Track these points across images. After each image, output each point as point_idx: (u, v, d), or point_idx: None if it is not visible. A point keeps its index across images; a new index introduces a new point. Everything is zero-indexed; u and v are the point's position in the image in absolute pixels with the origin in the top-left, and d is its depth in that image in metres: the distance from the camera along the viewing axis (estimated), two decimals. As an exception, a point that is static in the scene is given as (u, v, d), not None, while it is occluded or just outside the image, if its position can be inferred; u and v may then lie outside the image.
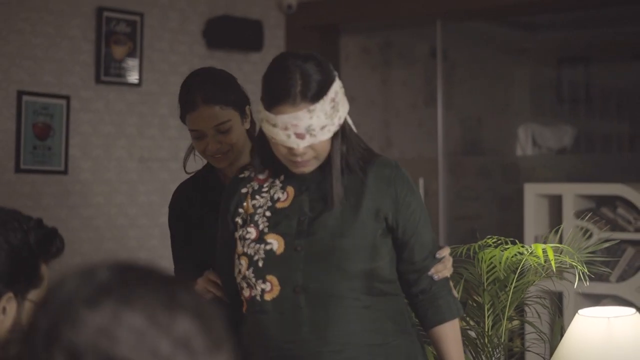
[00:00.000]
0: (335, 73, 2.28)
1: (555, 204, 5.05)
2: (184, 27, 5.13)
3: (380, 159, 2.37)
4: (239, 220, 2.37)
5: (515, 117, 6.34)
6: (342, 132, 2.29)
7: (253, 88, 5.45)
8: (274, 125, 2.20)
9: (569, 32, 6.37)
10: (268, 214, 2.33)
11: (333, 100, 2.22)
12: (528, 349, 3.27)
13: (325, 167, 2.30)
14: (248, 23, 5.28)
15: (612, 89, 6.19)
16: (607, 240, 3.03)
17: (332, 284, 2.25)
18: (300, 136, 2.20)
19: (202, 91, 2.65)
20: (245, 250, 2.31)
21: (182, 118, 2.69)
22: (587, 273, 2.82)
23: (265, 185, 2.37)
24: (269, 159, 2.34)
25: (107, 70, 4.74)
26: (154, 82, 4.97)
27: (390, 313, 2.34)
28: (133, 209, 4.89)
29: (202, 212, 2.72)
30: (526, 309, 3.17)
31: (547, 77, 6.42)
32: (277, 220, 2.31)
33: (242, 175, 2.42)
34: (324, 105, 2.20)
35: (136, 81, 4.86)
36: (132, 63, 4.83)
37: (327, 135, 2.22)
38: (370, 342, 2.28)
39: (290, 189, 2.34)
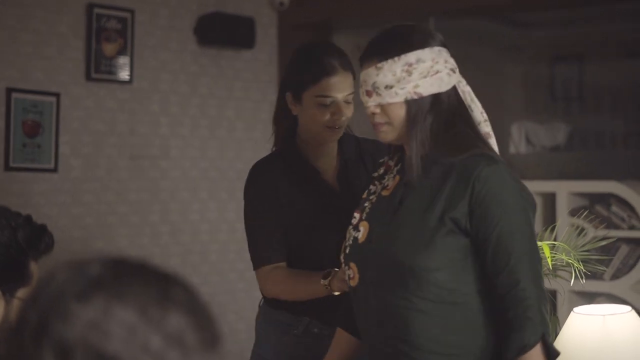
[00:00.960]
0: (435, 47, 2.19)
1: (549, 201, 5.03)
2: (175, 24, 5.09)
3: (473, 154, 2.16)
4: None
5: (509, 114, 6.31)
6: (425, 106, 2.17)
7: (245, 85, 5.48)
8: (360, 86, 2.23)
9: (562, 30, 6.35)
10: (374, 200, 2.29)
11: (410, 65, 2.16)
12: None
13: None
14: (240, 20, 5.24)
15: (606, 86, 6.17)
16: (603, 238, 3.00)
17: (391, 281, 2.16)
18: (368, 93, 2.18)
19: (339, 58, 2.67)
20: (346, 234, 2.31)
21: (306, 84, 2.65)
22: (584, 271, 2.80)
23: (390, 172, 2.32)
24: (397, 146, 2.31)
25: (97, 67, 4.70)
26: (145, 79, 4.94)
27: (456, 325, 2.15)
28: (123, 207, 4.85)
29: (292, 191, 2.71)
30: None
31: (540, 75, 6.40)
32: (375, 208, 2.27)
33: (381, 160, 2.40)
34: (393, 65, 2.15)
35: (127, 78, 4.82)
36: (123, 60, 4.80)
37: (393, 97, 2.16)
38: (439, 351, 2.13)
39: (397, 178, 2.28)
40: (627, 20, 5.95)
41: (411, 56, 2.16)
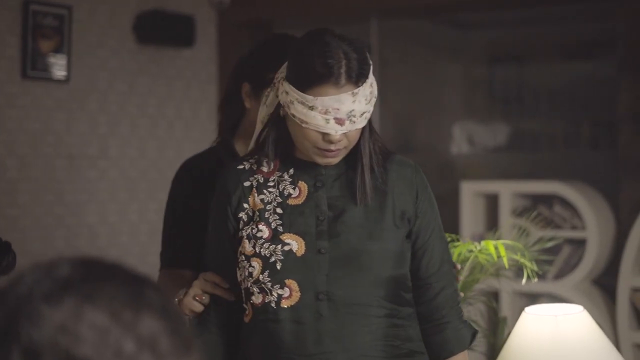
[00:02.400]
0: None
1: (492, 202, 5.04)
2: (113, 21, 5.00)
3: (398, 157, 2.19)
4: (243, 216, 2.15)
5: (449, 115, 6.34)
6: (369, 123, 2.11)
7: (185, 84, 5.39)
8: (311, 108, 2.00)
9: (501, 31, 6.39)
10: (279, 211, 2.11)
11: (371, 85, 2.04)
12: (472, 347, 3.23)
13: (345, 160, 2.12)
14: (179, 18, 5.17)
15: (544, 87, 6.23)
16: (551, 239, 3.01)
17: (358, 290, 2.05)
18: (340, 122, 2.00)
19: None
20: (257, 250, 2.09)
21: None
22: (535, 270, 2.79)
23: (271, 179, 2.15)
24: (279, 149, 2.15)
25: (33, 65, 4.58)
26: (83, 78, 4.83)
27: (416, 329, 2.16)
28: (60, 208, 4.75)
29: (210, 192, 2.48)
30: (469, 307, 3.13)
31: (480, 76, 6.43)
32: (292, 219, 2.10)
33: (241, 167, 2.19)
34: (365, 89, 2.01)
35: (64, 76, 4.72)
36: (60, 58, 4.69)
37: (363, 123, 2.05)
38: (393, 355, 2.10)
39: (303, 185, 2.13)
40: (565, 22, 6.01)
41: (371, 76, 2.06)
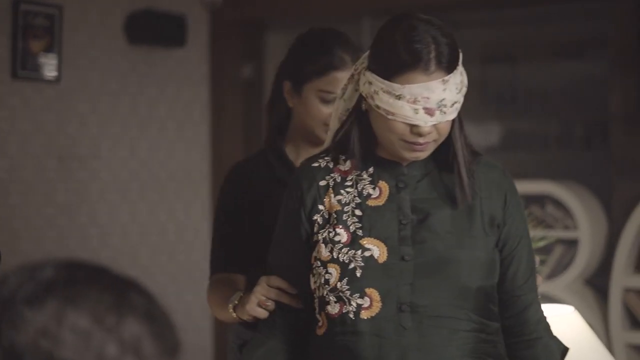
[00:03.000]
0: None
1: (484, 202, 5.02)
2: (104, 21, 4.98)
3: (485, 158, 2.03)
4: (318, 218, 1.99)
5: (441, 115, 6.31)
6: (459, 116, 1.95)
7: (176, 84, 5.37)
8: (398, 97, 1.85)
9: (494, 31, 6.38)
10: (358, 212, 1.96)
11: (462, 74, 1.91)
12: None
13: (431, 159, 1.98)
14: (170, 18, 5.15)
15: (538, 87, 6.22)
16: (543, 239, 3.00)
17: (445, 302, 1.90)
18: (429, 112, 1.85)
19: (352, 52, 2.39)
20: (335, 255, 1.93)
21: (310, 74, 2.38)
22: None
23: (349, 178, 2.00)
24: (359, 145, 1.98)
25: (24, 65, 4.56)
26: (73, 78, 4.81)
27: (504, 346, 2.00)
28: (51, 209, 4.73)
29: (270, 201, 2.37)
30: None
31: (472, 76, 6.41)
32: (372, 222, 1.94)
33: (316, 164, 2.04)
34: (456, 77, 1.88)
35: (54, 76, 4.69)
36: (51, 58, 4.67)
37: (454, 114, 1.90)
38: None
39: (384, 185, 1.98)
40: (557, 22, 6.00)
41: (460, 65, 1.93)
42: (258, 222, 2.42)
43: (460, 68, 1.90)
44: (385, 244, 1.92)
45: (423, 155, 1.94)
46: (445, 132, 1.92)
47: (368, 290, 1.90)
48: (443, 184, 1.97)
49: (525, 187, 4.91)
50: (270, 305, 2.06)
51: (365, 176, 1.99)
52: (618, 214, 4.53)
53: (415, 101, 1.85)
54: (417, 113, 1.86)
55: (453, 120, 1.93)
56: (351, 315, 1.90)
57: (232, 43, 5.34)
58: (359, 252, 1.92)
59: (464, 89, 1.92)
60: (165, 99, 5.26)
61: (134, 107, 5.11)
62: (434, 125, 1.88)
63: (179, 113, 5.31)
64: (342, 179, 2.00)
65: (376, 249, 1.92)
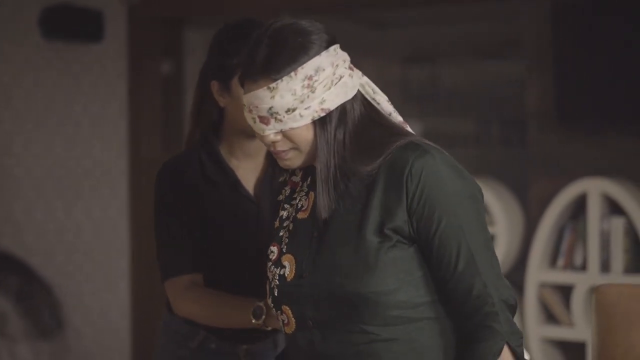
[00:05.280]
0: (330, 48, 1.84)
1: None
2: (17, 15, 4.87)
3: (399, 148, 1.84)
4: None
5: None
6: (333, 121, 1.83)
7: (93, 80, 5.28)
8: (244, 107, 1.84)
9: (416, 30, 6.41)
10: (291, 226, 1.93)
11: (310, 78, 1.80)
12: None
13: None
14: (87, 13, 5.06)
15: (458, 86, 6.27)
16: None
17: (340, 318, 1.83)
18: (264, 120, 1.81)
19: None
20: (268, 273, 1.94)
21: (235, 67, 2.27)
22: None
23: (297, 190, 1.97)
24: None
25: None
26: (-14, 72, 4.71)
27: (427, 341, 1.85)
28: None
29: (208, 200, 2.37)
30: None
31: (393, 75, 6.44)
32: (292, 237, 1.91)
33: (281, 179, 2.03)
34: (290, 83, 1.78)
35: (-34, 71, 4.58)
36: (-38, 51, 4.56)
37: (298, 121, 1.80)
38: None
39: (312, 195, 1.91)
40: (477, 22, 6.05)
41: (309, 67, 1.80)
42: (200, 225, 2.37)
43: (305, 71, 1.80)
44: (296, 260, 1.89)
45: (292, 163, 1.88)
46: (301, 139, 1.83)
47: (284, 308, 1.90)
48: (348, 191, 1.87)
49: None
50: None
51: (304, 187, 1.96)
52: (534, 210, 4.58)
53: (250, 110, 1.83)
54: (255, 122, 1.84)
55: (318, 128, 1.83)
56: (284, 330, 1.94)
57: (150, 39, 5.26)
58: (278, 270, 1.91)
59: (318, 96, 1.81)
60: (82, 95, 5.16)
61: (50, 103, 5.01)
62: (284, 135, 1.83)
63: (95, 109, 5.22)
64: (291, 191, 1.98)
65: (288, 266, 1.90)
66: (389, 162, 1.83)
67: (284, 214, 1.97)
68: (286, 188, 2.00)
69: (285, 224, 1.94)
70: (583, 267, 4.37)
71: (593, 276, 4.28)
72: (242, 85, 1.86)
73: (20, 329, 0.87)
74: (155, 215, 2.41)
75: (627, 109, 4.27)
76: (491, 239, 1.90)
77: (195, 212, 2.36)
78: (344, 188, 1.85)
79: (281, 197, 2.01)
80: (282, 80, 1.79)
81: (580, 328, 4.35)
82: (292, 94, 1.79)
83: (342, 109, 1.84)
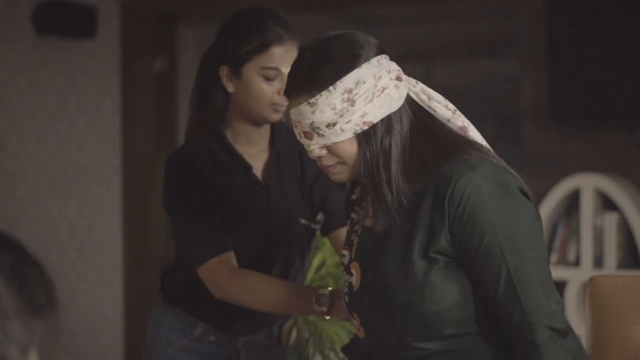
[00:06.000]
0: (372, 59, 1.80)
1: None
2: (11, 11, 4.87)
3: (447, 166, 1.80)
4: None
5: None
6: (378, 134, 1.80)
7: (86, 77, 5.27)
8: (292, 121, 1.85)
9: (409, 29, 6.43)
10: (360, 232, 1.91)
11: (349, 92, 1.77)
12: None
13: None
14: (80, 9, 5.06)
15: (452, 83, 6.29)
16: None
17: (396, 333, 1.83)
18: (307, 135, 1.81)
19: (288, 27, 2.33)
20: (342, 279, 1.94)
21: (249, 54, 2.29)
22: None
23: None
24: None
25: None
26: (-21, 69, 4.71)
27: (482, 349, 1.84)
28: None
29: (220, 187, 2.35)
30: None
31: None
32: (362, 244, 1.90)
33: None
34: (329, 97, 1.77)
35: (-41, 67, 4.58)
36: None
37: (340, 135, 1.79)
38: None
39: None
40: (471, 20, 6.06)
41: (349, 80, 1.77)
42: (209, 205, 2.35)
43: (344, 84, 1.77)
44: (361, 269, 1.88)
45: (340, 177, 1.87)
46: (345, 153, 1.82)
47: (354, 315, 1.91)
48: (401, 207, 1.84)
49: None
50: None
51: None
52: (528, 206, 4.59)
53: (295, 125, 1.84)
54: (300, 137, 1.84)
55: (361, 140, 1.81)
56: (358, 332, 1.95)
57: (143, 35, 5.26)
58: (348, 277, 1.91)
59: (359, 109, 1.78)
60: (76, 92, 5.16)
61: (43, 100, 5.01)
62: (329, 150, 1.82)
63: (89, 106, 5.22)
64: (361, 193, 1.94)
65: (355, 274, 1.89)
66: (436, 181, 1.80)
67: (355, 216, 1.95)
68: (357, 189, 1.97)
69: (355, 228, 1.93)
70: (576, 263, 4.38)
71: (586, 272, 4.28)
72: (287, 99, 1.87)
73: (12, 305, 0.89)
74: (175, 206, 2.38)
75: (620, 105, 4.29)
76: (546, 259, 1.86)
77: (210, 198, 2.34)
78: (396, 203, 1.82)
79: (354, 197, 1.99)
80: (321, 95, 1.78)
81: (573, 324, 4.35)
82: (331, 109, 1.78)
83: (388, 121, 1.80)
